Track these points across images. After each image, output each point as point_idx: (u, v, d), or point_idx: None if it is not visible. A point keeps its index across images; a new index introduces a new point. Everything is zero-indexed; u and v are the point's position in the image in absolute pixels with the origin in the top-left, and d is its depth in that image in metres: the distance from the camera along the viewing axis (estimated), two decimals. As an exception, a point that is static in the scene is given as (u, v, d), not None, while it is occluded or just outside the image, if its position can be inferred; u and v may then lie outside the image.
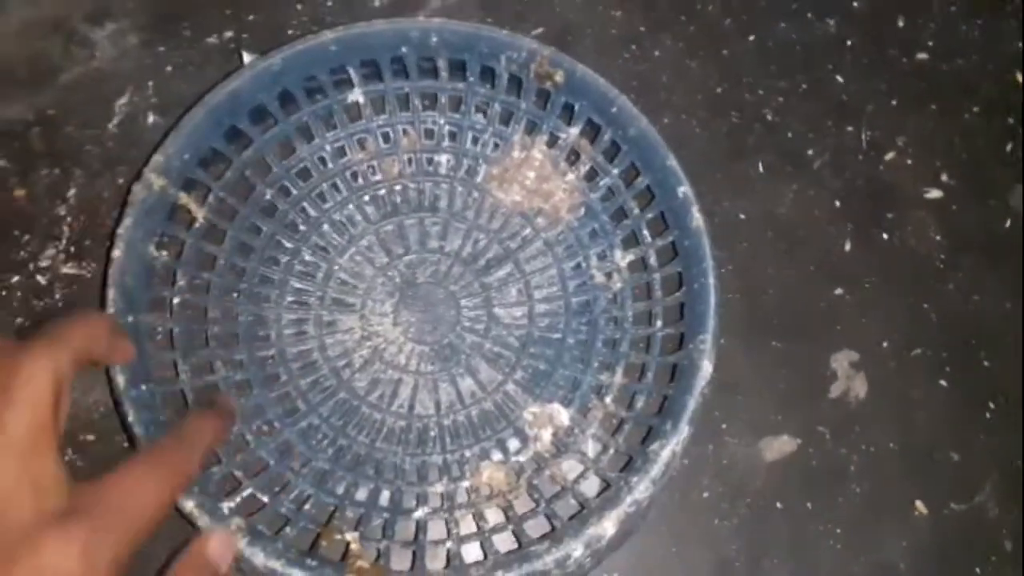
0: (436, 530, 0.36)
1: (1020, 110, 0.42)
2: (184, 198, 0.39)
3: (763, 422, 0.37)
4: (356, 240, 0.43)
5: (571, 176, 0.43)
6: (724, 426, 0.37)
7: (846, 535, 0.35)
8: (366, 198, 0.44)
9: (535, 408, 0.40)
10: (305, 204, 0.43)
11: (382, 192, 0.44)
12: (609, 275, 0.42)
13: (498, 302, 0.43)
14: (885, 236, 0.40)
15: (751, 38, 0.44)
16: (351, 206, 0.43)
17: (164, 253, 0.38)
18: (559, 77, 0.41)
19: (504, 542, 0.35)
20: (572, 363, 0.41)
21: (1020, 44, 0.44)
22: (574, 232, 0.43)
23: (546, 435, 0.39)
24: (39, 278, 0.39)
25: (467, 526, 0.36)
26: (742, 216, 0.42)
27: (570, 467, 0.38)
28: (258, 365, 0.40)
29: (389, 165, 0.44)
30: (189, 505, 0.32)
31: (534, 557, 0.32)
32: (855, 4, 0.44)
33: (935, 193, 0.41)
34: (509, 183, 0.44)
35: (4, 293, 0.39)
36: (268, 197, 0.42)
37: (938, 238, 0.40)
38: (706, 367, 0.35)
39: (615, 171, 0.41)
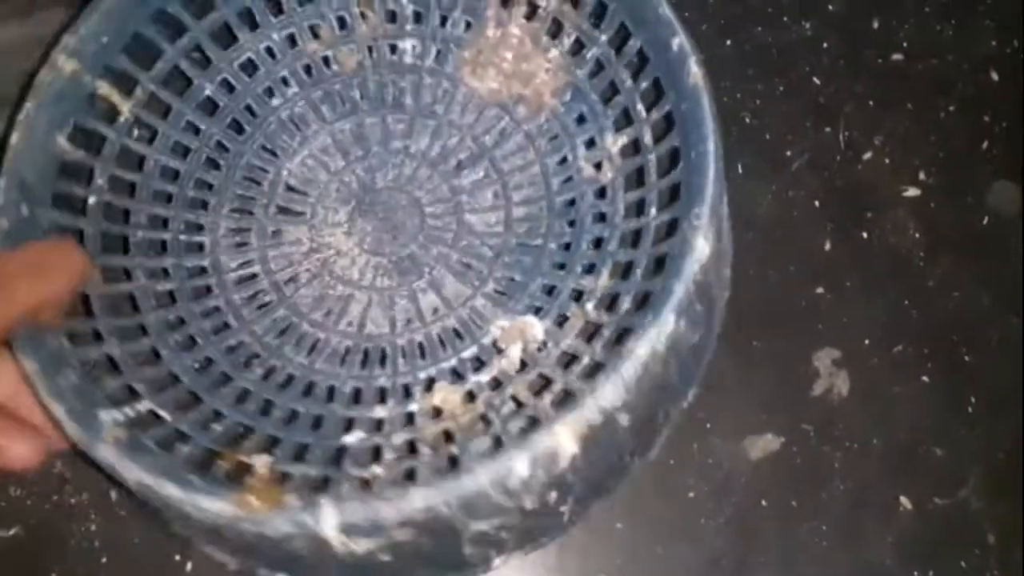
0: (360, 456, 0.30)
1: (996, 108, 0.42)
2: (106, 89, 0.34)
3: (747, 421, 0.37)
4: (308, 142, 0.38)
5: (554, 52, 0.36)
6: (708, 425, 0.36)
7: (832, 532, 0.36)
8: (319, 94, 0.38)
9: (504, 322, 0.33)
10: (249, 101, 0.37)
11: (338, 87, 0.38)
12: (599, 165, 0.35)
13: (470, 207, 0.36)
14: (864, 235, 0.40)
15: (728, 43, 0.43)
16: (302, 103, 0.38)
17: (80, 150, 0.33)
18: (533, -71, 0.34)
19: (434, 465, 0.28)
20: (551, 270, 0.34)
21: (994, 43, 0.44)
22: (559, 119, 0.36)
23: (515, 351, 0.32)
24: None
25: (401, 451, 0.30)
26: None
27: (534, 383, 0.30)
28: (185, 275, 0.35)
29: (346, 56, 0.38)
30: (59, 410, 0.27)
31: (464, 472, 0.25)
32: (830, 7, 0.44)
33: (913, 191, 0.41)
34: (484, 68, 0.37)
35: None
36: (207, 92, 0.37)
37: (917, 236, 0.40)
38: (701, 246, 0.27)
39: (603, 37, 0.34)
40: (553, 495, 0.27)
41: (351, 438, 0.30)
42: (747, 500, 0.36)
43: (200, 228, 0.36)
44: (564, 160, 0.36)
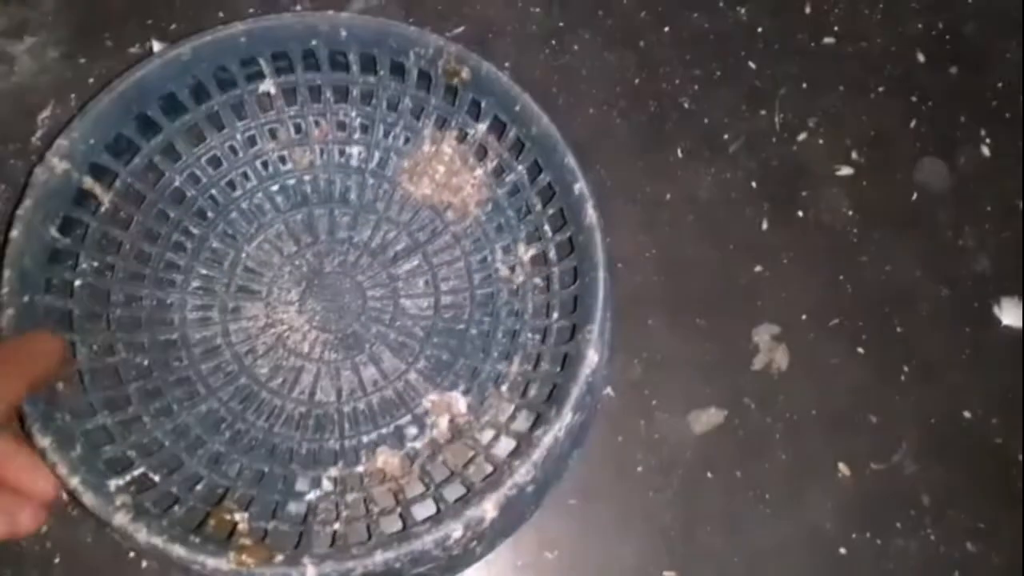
0: (325, 512, 0.37)
1: (923, 88, 0.44)
2: (89, 183, 0.39)
3: (691, 396, 0.38)
4: (264, 228, 0.44)
5: (479, 171, 0.44)
6: (654, 402, 0.38)
7: (775, 500, 0.37)
8: (276, 187, 0.44)
9: (434, 396, 0.41)
10: (214, 192, 0.43)
11: (292, 182, 0.44)
12: (512, 268, 0.43)
13: (405, 293, 0.44)
14: (800, 213, 0.42)
15: (666, 29, 0.45)
16: (260, 195, 0.44)
17: (67, 238, 0.38)
18: (465, 74, 0.42)
19: (391, 524, 0.36)
20: (473, 353, 0.42)
21: (920, 25, 0.46)
22: (481, 226, 0.44)
23: (443, 422, 0.40)
24: None
25: (356, 509, 0.37)
26: (663, 201, 0.43)
27: (462, 453, 0.39)
28: (160, 348, 0.40)
29: (300, 155, 0.44)
30: (74, 481, 0.32)
31: (414, 537, 0.33)
32: None
33: (846, 170, 0.43)
34: (419, 176, 0.45)
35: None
36: (176, 184, 0.42)
37: (850, 213, 0.42)
38: (591, 356, 0.36)
39: (520, 167, 0.43)
40: (474, 544, 0.35)
41: (312, 496, 0.38)
42: (693, 472, 0.37)
43: (170, 305, 0.41)
44: (484, 260, 0.44)
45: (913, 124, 0.44)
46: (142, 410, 0.38)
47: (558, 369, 0.38)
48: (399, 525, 0.36)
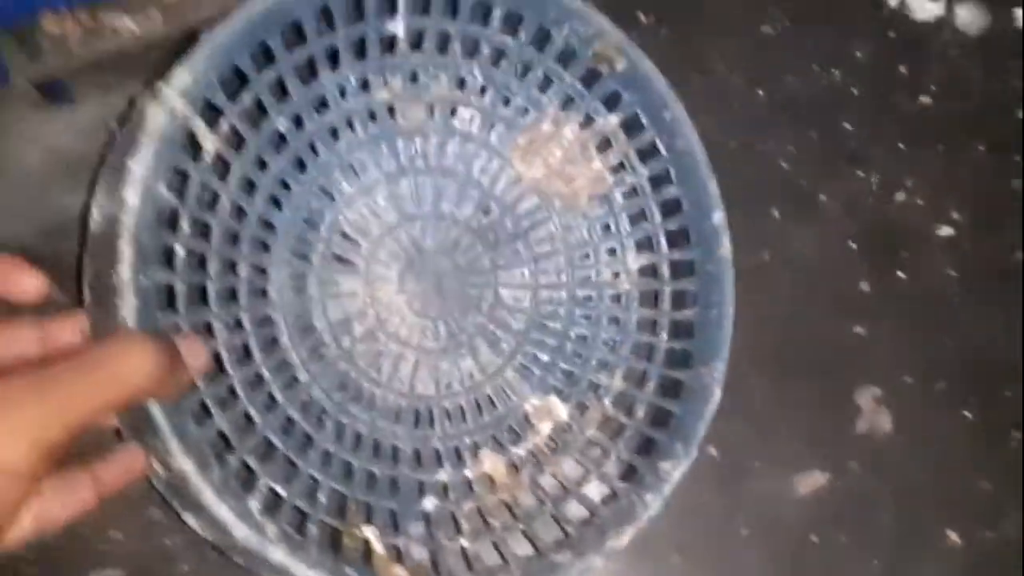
0: (445, 524, 0.36)
1: None
2: (199, 126, 0.32)
3: (794, 458, 0.38)
4: (366, 192, 0.38)
5: (598, 164, 0.42)
6: (756, 464, 0.38)
7: (881, 565, 0.37)
8: (382, 145, 0.39)
9: (535, 400, 0.40)
10: (316, 141, 0.37)
11: (399, 141, 0.39)
12: (617, 274, 0.42)
13: (503, 282, 0.41)
14: (900, 274, 0.41)
15: (760, 92, 0.44)
16: (365, 150, 0.38)
17: (173, 196, 0.31)
18: (620, 65, 0.39)
19: (518, 543, 0.36)
20: (571, 357, 0.41)
21: (1021, 83, 0.45)
22: (588, 222, 0.42)
23: (545, 428, 0.40)
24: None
25: (474, 521, 0.37)
26: (762, 263, 0.43)
27: (571, 468, 0.39)
28: (257, 326, 0.35)
29: (412, 110, 0.39)
30: (222, 512, 0.29)
31: (559, 570, 0.34)
32: (858, 54, 0.45)
33: (947, 230, 0.42)
34: (533, 156, 0.41)
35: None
36: (280, 127, 0.35)
37: (952, 273, 0.41)
38: (717, 394, 0.38)
39: (644, 171, 0.41)
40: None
41: (428, 504, 0.36)
42: (796, 536, 0.37)
43: (264, 272, 0.36)
44: (587, 257, 0.42)
45: (1016, 184, 0.43)
46: (248, 404, 0.33)
47: (671, 397, 0.39)
48: (527, 546, 0.36)
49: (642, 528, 0.35)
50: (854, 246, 0.42)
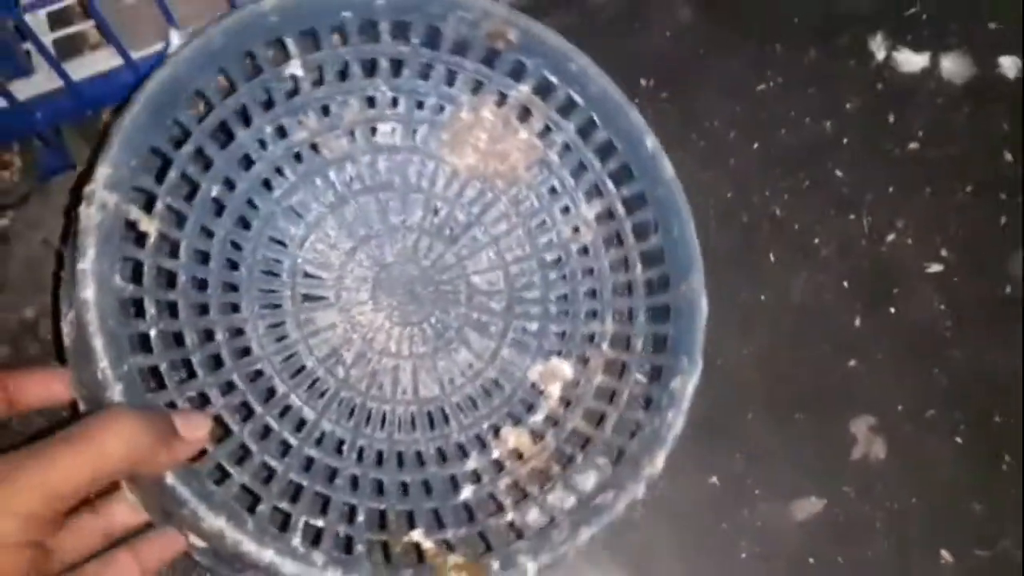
0: (486, 506, 0.37)
1: (1011, 186, 0.46)
2: (135, 212, 0.33)
3: (792, 486, 0.40)
4: (313, 227, 0.40)
5: (524, 134, 0.43)
6: (757, 492, 0.40)
7: None
8: (316, 180, 0.40)
9: (539, 367, 0.41)
10: (252, 196, 0.38)
11: (331, 172, 0.40)
12: (576, 228, 0.43)
13: (472, 270, 0.42)
14: (892, 310, 0.43)
15: (755, 146, 0.46)
16: (301, 191, 0.40)
17: (130, 284, 0.32)
18: (512, 36, 0.40)
19: (561, 500, 0.37)
20: (559, 317, 0.42)
21: (1006, 126, 0.48)
22: (534, 190, 0.43)
23: (555, 391, 0.41)
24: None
25: (516, 494, 0.37)
26: (759, 303, 0.45)
27: (590, 416, 0.40)
28: (250, 381, 0.36)
29: (334, 141, 0.40)
30: (268, 555, 0.30)
31: (604, 510, 0.34)
32: (848, 106, 0.48)
33: (936, 267, 0.45)
34: (461, 146, 0.42)
35: None
36: (214, 193, 0.37)
37: (942, 307, 0.44)
38: (704, 304, 0.39)
39: (570, 125, 0.42)
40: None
41: (466, 493, 0.37)
42: (795, 559, 0.38)
43: (241, 332, 0.37)
44: (543, 223, 0.43)
45: (1003, 220, 0.46)
46: (265, 455, 0.34)
47: (662, 321, 0.40)
48: (572, 499, 0.37)
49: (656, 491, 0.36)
50: (847, 285, 0.44)
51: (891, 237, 0.45)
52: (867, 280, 0.45)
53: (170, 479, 0.29)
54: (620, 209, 0.42)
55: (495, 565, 0.32)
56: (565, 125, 0.42)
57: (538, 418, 0.40)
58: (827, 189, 0.46)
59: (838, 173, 0.46)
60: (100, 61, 0.40)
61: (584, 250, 0.43)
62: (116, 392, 0.29)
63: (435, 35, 0.40)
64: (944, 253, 0.45)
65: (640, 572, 0.40)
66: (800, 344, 0.43)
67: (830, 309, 0.44)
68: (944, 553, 0.39)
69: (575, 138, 0.42)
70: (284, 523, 0.32)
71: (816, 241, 0.45)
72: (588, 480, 0.37)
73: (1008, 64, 0.51)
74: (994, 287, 0.45)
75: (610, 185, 0.42)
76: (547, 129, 0.43)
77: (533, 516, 0.36)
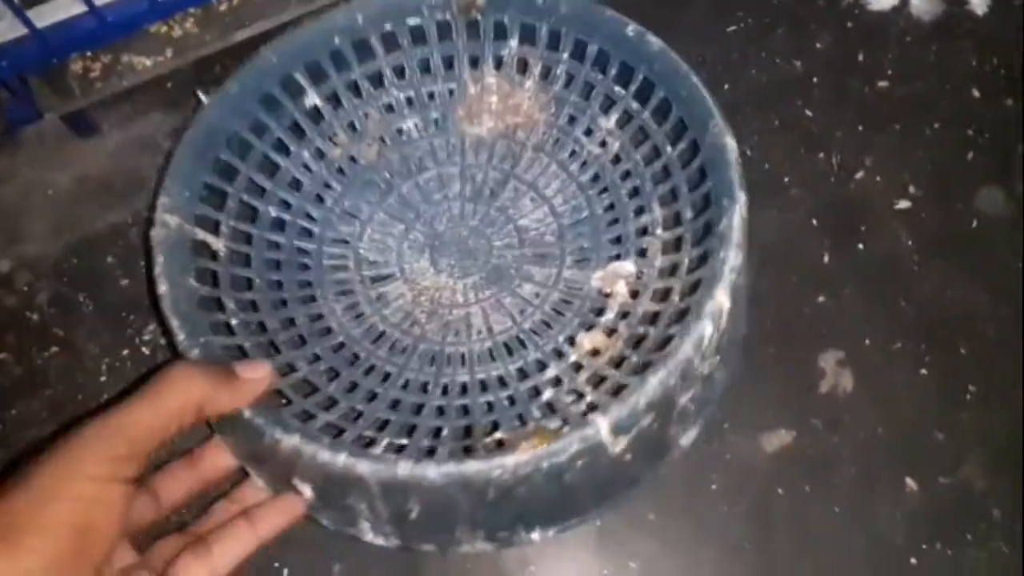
0: (569, 399, 0.36)
1: (979, 121, 0.46)
2: (201, 234, 0.39)
3: (761, 419, 0.40)
4: (367, 223, 0.44)
5: (529, 83, 0.46)
6: (726, 425, 0.40)
7: (844, 513, 0.38)
8: (359, 185, 0.45)
9: (600, 273, 0.41)
10: (308, 208, 0.44)
11: (371, 175, 0.45)
12: (603, 143, 0.44)
13: (518, 215, 0.44)
14: (860, 246, 0.44)
15: (725, 87, 0.48)
16: (349, 196, 0.45)
17: (206, 286, 0.38)
18: (480, 1, 0.44)
19: (635, 368, 0.36)
20: (609, 226, 0.42)
21: (974, 62, 0.48)
22: (553, 126, 0.45)
23: (621, 289, 0.40)
24: (144, 350, 0.44)
25: (595, 381, 0.36)
26: None
27: (656, 294, 0.39)
28: (333, 352, 0.40)
29: (366, 149, 0.46)
30: (361, 462, 0.31)
31: (670, 355, 0.32)
32: (818, 45, 0.49)
33: (904, 203, 0.45)
34: (478, 116, 0.46)
35: (118, 364, 0.44)
36: (273, 214, 0.43)
37: (910, 243, 0.44)
38: (730, 143, 0.37)
39: (564, 55, 0.44)
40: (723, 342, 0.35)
41: (547, 396, 0.37)
42: (765, 489, 0.38)
43: (320, 316, 0.41)
44: (573, 152, 0.45)
45: (970, 156, 0.46)
46: (352, 402, 0.37)
47: (701, 185, 0.39)
48: (642, 361, 0.35)
49: (678, 451, 0.36)
50: (816, 222, 0.45)
51: (860, 174, 0.45)
52: (836, 217, 0.44)
53: (247, 413, 0.32)
54: (634, 104, 0.43)
55: (566, 428, 0.31)
56: (559, 57, 0.44)
57: (610, 316, 0.40)
58: (797, 128, 0.46)
59: (808, 112, 0.47)
60: (63, 8, 0.42)
61: (616, 159, 0.44)
62: (194, 357, 0.34)
63: (419, 32, 0.45)
64: (912, 190, 0.45)
65: (610, 510, 0.38)
66: (771, 280, 0.43)
67: (799, 246, 0.44)
68: (909, 481, 0.39)
69: (573, 63, 0.44)
70: (370, 444, 0.34)
71: (786, 180, 0.45)
72: (659, 344, 0.36)
73: (976, 1, 0.50)
74: (960, 222, 0.44)
75: (618, 89, 0.43)
76: (546, 69, 0.45)
77: (609, 388, 0.35)
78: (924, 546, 0.37)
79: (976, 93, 0.47)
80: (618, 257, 0.41)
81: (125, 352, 0.44)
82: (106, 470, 0.28)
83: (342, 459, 0.31)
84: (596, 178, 0.44)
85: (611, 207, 0.43)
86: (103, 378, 0.43)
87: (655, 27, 0.41)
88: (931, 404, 0.40)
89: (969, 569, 0.37)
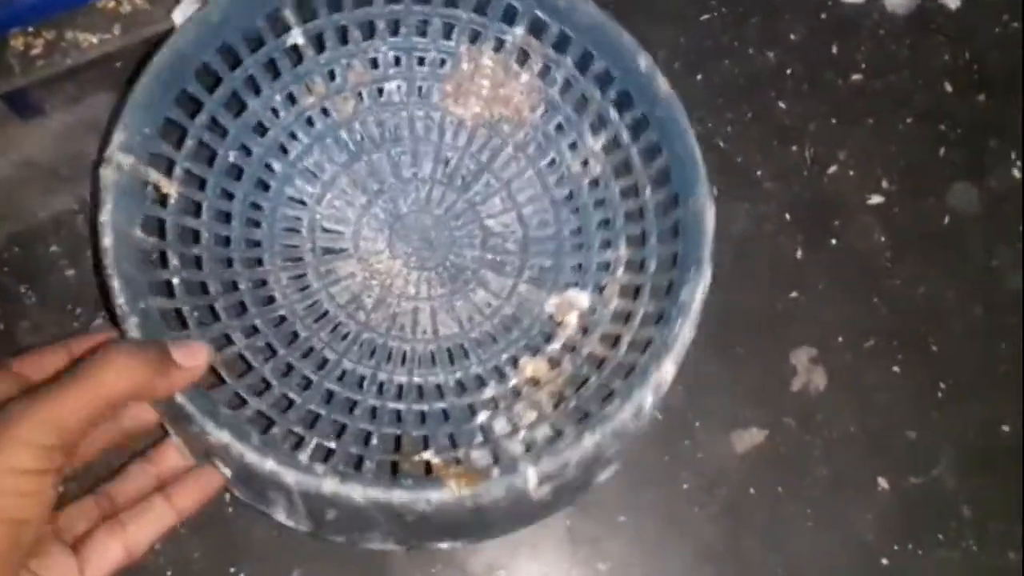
0: (501, 427, 0.37)
1: (951, 117, 0.46)
2: (154, 175, 0.36)
3: (733, 417, 0.40)
4: (329, 186, 0.42)
5: (525, 76, 0.44)
6: (697, 424, 0.40)
7: (816, 513, 0.39)
8: (328, 141, 0.43)
9: (555, 299, 0.41)
10: (269, 160, 0.41)
11: (342, 133, 0.43)
12: (585, 162, 0.43)
13: (486, 213, 0.43)
14: (833, 241, 0.43)
15: (698, 77, 0.47)
16: (315, 153, 0.42)
17: (151, 237, 0.36)
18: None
19: (573, 419, 0.37)
20: (573, 251, 0.42)
21: (947, 57, 0.48)
22: (540, 130, 0.44)
23: (572, 320, 0.41)
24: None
25: (529, 416, 0.38)
26: None
27: (605, 339, 0.39)
28: (273, 327, 0.39)
29: (342, 103, 0.43)
30: (268, 464, 0.31)
31: (608, 418, 0.33)
32: (792, 36, 0.48)
33: (877, 199, 0.44)
34: (465, 96, 0.44)
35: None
36: (232, 159, 0.40)
37: (883, 239, 0.43)
38: (710, 214, 0.38)
39: (568, 60, 0.43)
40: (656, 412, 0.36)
41: (483, 419, 0.38)
42: (736, 489, 0.38)
43: (264, 283, 0.40)
44: (553, 162, 0.44)
45: (943, 152, 0.45)
46: (285, 388, 0.37)
47: (671, 240, 0.39)
48: (581, 413, 0.37)
49: (597, 484, 0.35)
50: (788, 217, 0.44)
51: (833, 168, 0.45)
52: (809, 211, 0.44)
53: (179, 398, 0.32)
54: (625, 135, 0.42)
55: (495, 472, 0.32)
56: (563, 60, 0.43)
57: (555, 346, 0.40)
58: (770, 120, 0.46)
59: (781, 104, 0.46)
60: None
61: (595, 183, 0.43)
62: (131, 325, 0.32)
63: (425, -9, 0.42)
64: (885, 184, 0.45)
65: (579, 505, 0.39)
66: (742, 275, 0.43)
67: (771, 241, 0.44)
68: (881, 480, 0.39)
69: (574, 72, 0.43)
70: (298, 444, 0.34)
71: (758, 173, 0.45)
72: (599, 396, 0.37)
73: (950, -4, 0.50)
74: (933, 218, 0.44)
75: (613, 113, 0.42)
76: (546, 68, 0.43)
77: (543, 432, 0.36)
78: (896, 546, 0.38)
79: (949, 88, 0.47)
80: (576, 286, 0.42)
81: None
82: (38, 463, 0.27)
83: (269, 465, 0.31)
84: (570, 196, 0.43)
85: (578, 231, 0.43)
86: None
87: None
88: (903, 402, 0.40)
89: (940, 569, 0.38)
